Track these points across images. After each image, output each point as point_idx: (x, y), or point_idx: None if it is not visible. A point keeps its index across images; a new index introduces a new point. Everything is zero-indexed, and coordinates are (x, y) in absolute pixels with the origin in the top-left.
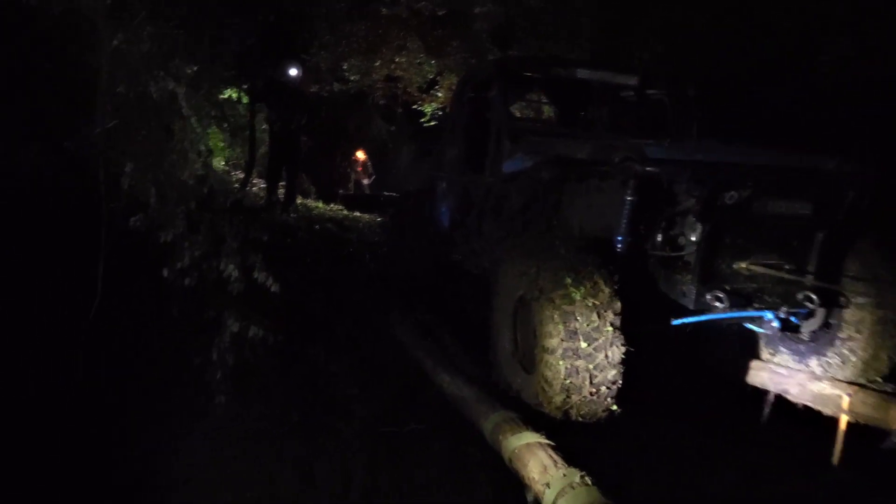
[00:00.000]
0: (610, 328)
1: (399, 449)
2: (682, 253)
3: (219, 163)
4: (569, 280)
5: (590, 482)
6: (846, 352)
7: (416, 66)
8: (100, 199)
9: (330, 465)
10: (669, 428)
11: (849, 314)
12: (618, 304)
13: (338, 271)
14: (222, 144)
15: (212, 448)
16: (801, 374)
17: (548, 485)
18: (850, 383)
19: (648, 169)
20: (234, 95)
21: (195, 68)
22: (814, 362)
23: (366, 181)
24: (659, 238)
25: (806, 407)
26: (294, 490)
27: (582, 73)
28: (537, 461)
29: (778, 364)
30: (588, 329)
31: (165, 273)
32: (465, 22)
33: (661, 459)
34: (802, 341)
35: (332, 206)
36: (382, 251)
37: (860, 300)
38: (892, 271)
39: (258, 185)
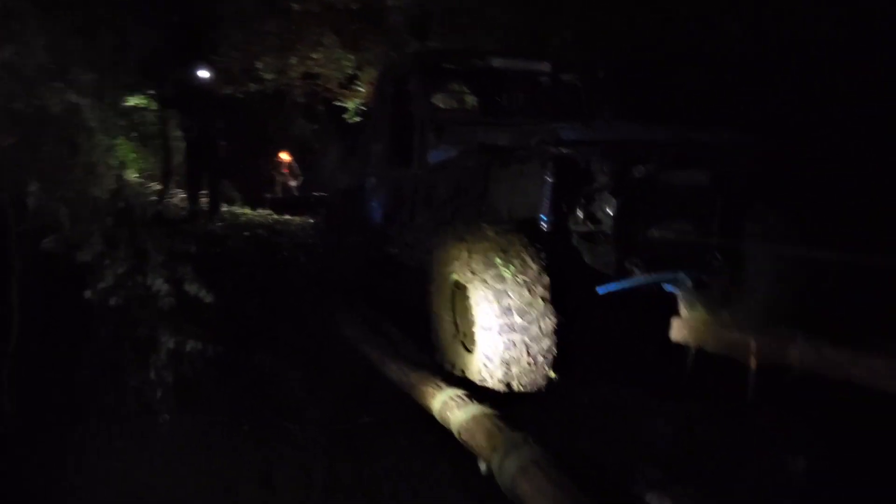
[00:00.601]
0: (541, 301)
1: (356, 444)
2: (601, 226)
3: (132, 175)
4: (498, 260)
5: (531, 441)
6: (750, 301)
7: (333, 61)
8: (5, 221)
9: (288, 469)
10: (605, 389)
11: (751, 267)
12: (546, 279)
13: (274, 276)
14: (134, 155)
15: (163, 467)
16: (715, 326)
17: (495, 449)
18: (756, 329)
19: (563, 150)
20: (143, 103)
21: (96, 77)
22: (724, 314)
23: (293, 183)
24: (579, 214)
25: (721, 355)
26: (255, 497)
27: (497, 62)
28: (484, 430)
29: (695, 319)
30: (521, 304)
31: (88, 294)
32: (380, 15)
33: (598, 417)
34: (713, 296)
35: (260, 211)
36: (318, 252)
37: (758, 255)
38: (783, 227)
39: (178, 195)
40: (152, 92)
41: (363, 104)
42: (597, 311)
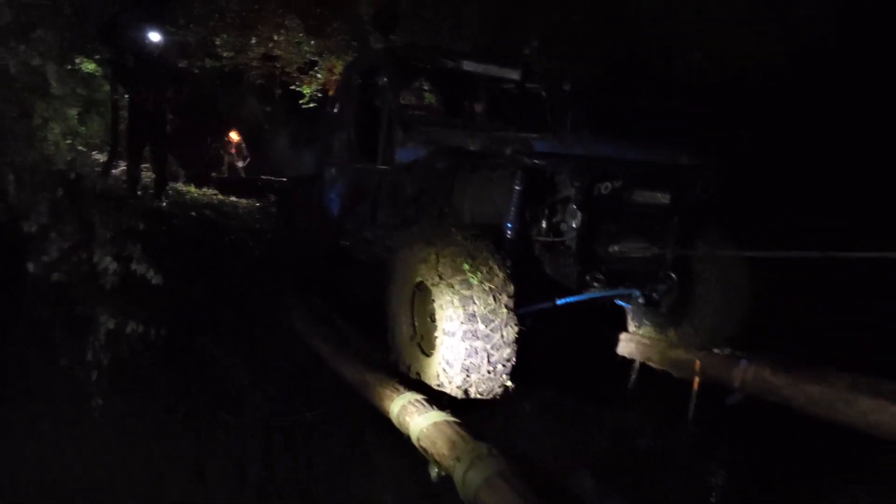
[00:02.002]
0: (505, 310)
1: (295, 440)
2: (564, 238)
3: (78, 145)
4: (467, 266)
5: (496, 453)
6: (697, 322)
7: (294, 45)
8: None
9: (222, 462)
10: (552, 398)
11: (699, 289)
12: (511, 287)
13: (221, 260)
14: (75, 122)
15: (92, 453)
16: (662, 344)
17: (458, 459)
18: (701, 349)
19: (536, 162)
20: (92, 68)
21: (57, 39)
22: (671, 332)
23: (240, 164)
24: (543, 225)
25: (665, 372)
26: (185, 490)
27: (468, 66)
28: (445, 438)
29: (643, 336)
30: (485, 311)
31: (31, 268)
32: (347, 3)
33: (547, 427)
34: (662, 315)
35: (205, 190)
36: (267, 238)
37: (708, 276)
38: (733, 250)
39: (121, 167)
40: (99, 57)
41: (320, 90)
42: (551, 321)
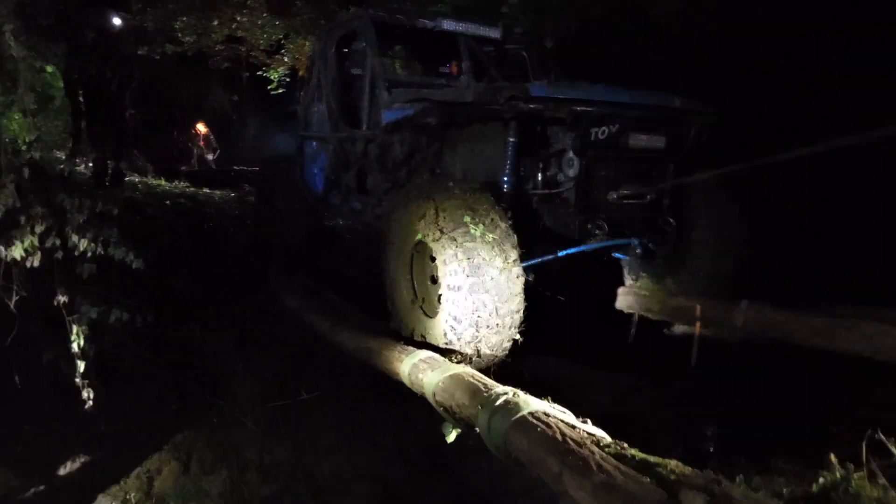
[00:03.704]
0: (510, 261)
1: (293, 420)
2: (561, 190)
3: (34, 133)
4: (468, 218)
5: (522, 394)
6: (696, 268)
7: (259, 26)
8: None
9: (216, 451)
10: (549, 359)
11: (696, 235)
12: (514, 238)
13: (202, 246)
14: (34, 107)
15: (83, 451)
16: (660, 293)
17: (480, 406)
18: (701, 295)
19: (532, 107)
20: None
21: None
22: (669, 281)
23: (210, 156)
24: (539, 178)
25: (665, 322)
26: (180, 482)
27: (448, 25)
28: (464, 388)
29: (640, 288)
30: (490, 263)
31: (3, 253)
32: None
33: (543, 388)
34: (659, 265)
35: (176, 183)
36: (248, 224)
37: (703, 223)
38: (727, 197)
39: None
40: (54, 45)
41: (288, 75)
42: (551, 275)
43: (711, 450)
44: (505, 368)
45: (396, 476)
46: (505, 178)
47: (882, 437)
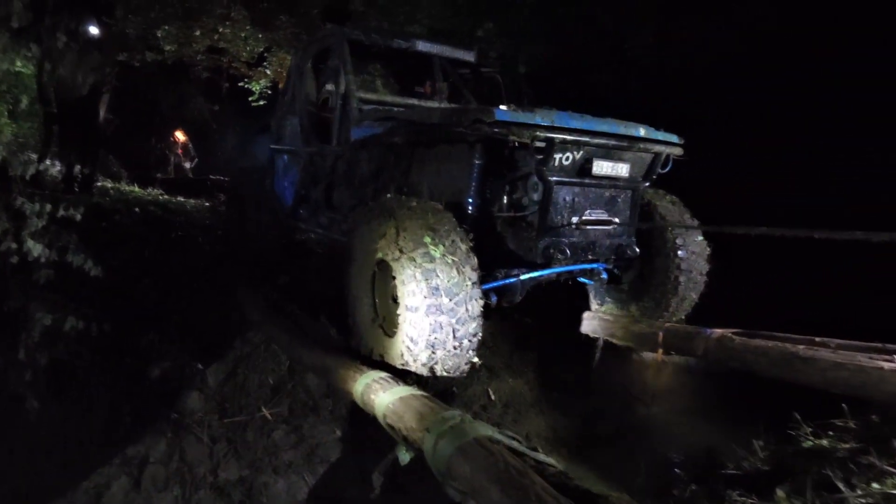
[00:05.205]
0: (469, 283)
1: (251, 437)
2: (526, 213)
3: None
4: (428, 239)
5: (468, 419)
6: (659, 295)
7: (241, 38)
8: None
9: (171, 466)
10: (510, 380)
11: (659, 262)
12: (475, 261)
13: (169, 255)
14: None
15: (27, 464)
16: (624, 319)
17: (427, 430)
18: (663, 323)
19: (497, 130)
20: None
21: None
22: (633, 307)
23: (188, 165)
24: (504, 200)
25: (628, 347)
26: (129, 498)
27: (422, 46)
28: (413, 411)
29: (605, 312)
30: (449, 285)
31: None
32: None
33: (503, 411)
34: (624, 290)
35: (150, 190)
36: (218, 234)
37: (667, 250)
38: (690, 224)
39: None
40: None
41: (270, 87)
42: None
43: (675, 477)
44: (469, 390)
45: (353, 498)
46: (469, 200)
47: (830, 472)
